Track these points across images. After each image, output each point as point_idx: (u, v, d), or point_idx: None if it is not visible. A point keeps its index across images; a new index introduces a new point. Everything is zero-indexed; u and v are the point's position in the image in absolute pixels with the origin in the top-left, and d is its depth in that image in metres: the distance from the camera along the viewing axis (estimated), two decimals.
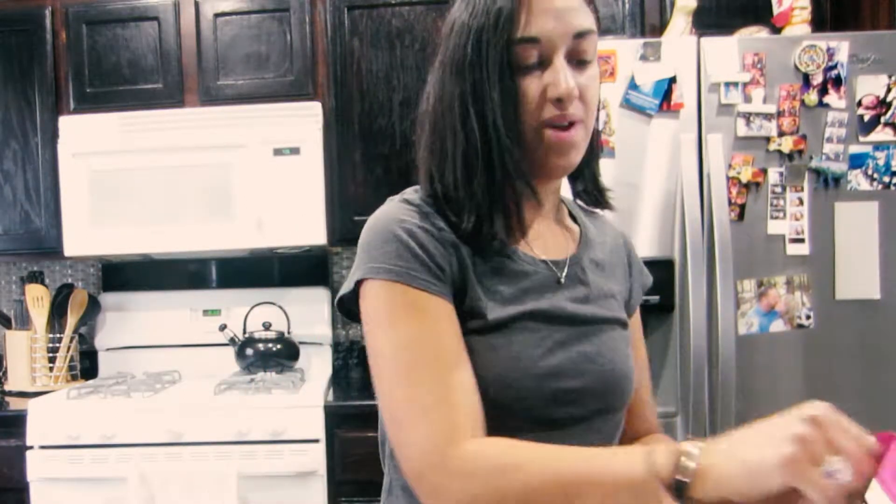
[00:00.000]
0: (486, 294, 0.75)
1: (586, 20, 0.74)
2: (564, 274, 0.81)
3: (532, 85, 0.73)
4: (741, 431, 0.58)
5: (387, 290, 0.72)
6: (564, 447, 0.66)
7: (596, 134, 0.83)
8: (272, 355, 2.26)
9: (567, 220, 0.88)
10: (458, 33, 0.75)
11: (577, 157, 0.76)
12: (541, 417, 0.75)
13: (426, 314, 0.71)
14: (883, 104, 1.78)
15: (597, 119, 0.81)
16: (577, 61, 0.74)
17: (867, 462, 0.51)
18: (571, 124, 0.74)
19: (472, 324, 0.74)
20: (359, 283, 0.75)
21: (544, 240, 0.82)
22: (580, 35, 0.73)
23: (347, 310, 0.79)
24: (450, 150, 0.76)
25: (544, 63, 0.73)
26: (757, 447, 0.55)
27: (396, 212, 0.76)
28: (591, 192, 0.86)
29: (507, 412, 0.74)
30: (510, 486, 0.64)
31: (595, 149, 0.84)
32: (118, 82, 2.31)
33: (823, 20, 2.12)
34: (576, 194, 0.88)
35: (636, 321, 0.92)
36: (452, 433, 0.67)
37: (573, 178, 0.86)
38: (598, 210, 0.90)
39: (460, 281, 0.74)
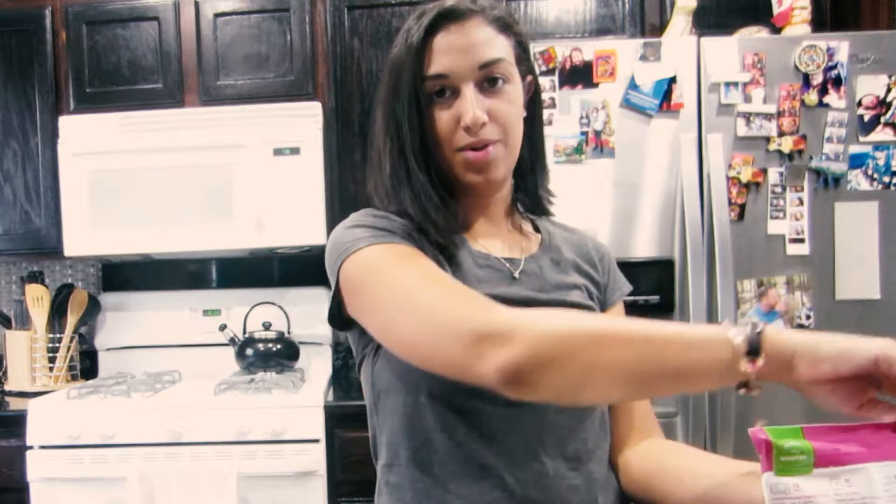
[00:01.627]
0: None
1: (493, 51, 0.80)
2: (520, 270, 0.85)
3: (445, 116, 0.80)
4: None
5: (365, 252, 0.77)
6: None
7: (539, 147, 0.89)
8: (272, 355, 2.26)
9: (526, 228, 0.92)
10: (387, 70, 0.83)
11: (497, 172, 0.82)
12: (511, 401, 0.73)
13: (413, 251, 0.77)
14: (883, 104, 1.78)
15: (540, 129, 0.88)
16: (489, 83, 0.80)
17: None
18: (486, 145, 0.80)
19: None
20: (338, 278, 0.79)
21: (502, 241, 0.87)
22: (486, 65, 0.79)
23: (338, 320, 0.83)
24: (382, 175, 0.84)
25: (455, 93, 0.80)
26: (843, 339, 0.57)
27: (349, 218, 0.84)
28: (532, 199, 0.92)
29: (477, 395, 0.74)
30: (593, 328, 0.63)
31: (536, 160, 0.90)
32: (118, 82, 2.31)
33: (823, 20, 2.12)
34: (514, 201, 0.92)
35: (617, 316, 0.93)
36: (492, 308, 0.67)
37: (516, 188, 0.91)
38: (566, 223, 0.96)
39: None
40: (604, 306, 0.91)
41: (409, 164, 0.80)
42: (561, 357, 0.62)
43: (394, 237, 0.78)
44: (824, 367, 0.56)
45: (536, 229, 0.93)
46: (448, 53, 0.79)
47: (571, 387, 0.64)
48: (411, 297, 0.71)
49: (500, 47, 0.81)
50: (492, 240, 0.87)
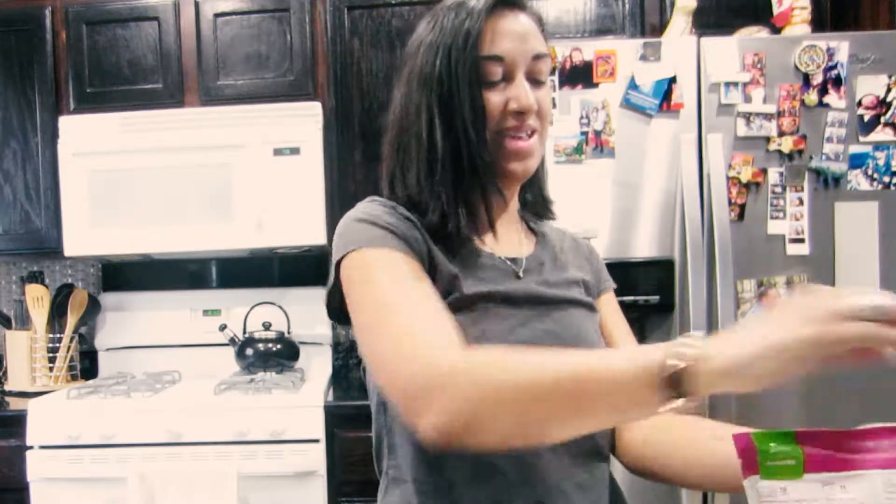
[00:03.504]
0: (452, 267, 0.80)
1: (542, 45, 0.83)
2: (523, 269, 0.86)
3: (496, 98, 0.81)
4: (743, 327, 0.56)
5: (364, 255, 0.77)
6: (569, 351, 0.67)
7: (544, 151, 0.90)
8: (272, 355, 2.26)
9: (525, 229, 0.94)
10: (427, 51, 0.82)
11: (534, 163, 0.85)
12: None
13: (406, 265, 0.76)
14: (883, 104, 1.78)
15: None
16: (534, 80, 0.82)
17: None
18: (531, 134, 0.82)
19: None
20: (338, 270, 0.79)
21: (504, 240, 0.88)
22: (538, 57, 0.81)
23: (336, 313, 0.83)
24: (414, 155, 0.83)
25: (507, 79, 0.81)
26: (777, 328, 0.53)
27: (358, 208, 0.83)
28: (538, 202, 0.94)
29: None
30: (519, 380, 0.62)
31: (542, 163, 0.91)
32: (118, 82, 2.31)
33: (823, 20, 2.12)
34: (524, 204, 0.94)
35: (612, 303, 0.96)
36: (453, 340, 0.69)
37: (522, 189, 0.92)
38: (551, 223, 0.97)
39: (428, 258, 0.80)
40: (598, 295, 0.95)
41: (469, 145, 0.80)
42: (491, 414, 0.63)
43: (395, 240, 0.77)
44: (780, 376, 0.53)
45: (531, 230, 0.95)
46: (507, 38, 0.80)
47: (509, 437, 0.65)
48: (382, 322, 0.72)
49: (544, 44, 0.84)
50: (498, 237, 0.88)
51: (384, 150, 0.89)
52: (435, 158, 0.81)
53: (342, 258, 0.78)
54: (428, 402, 0.64)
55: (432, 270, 0.80)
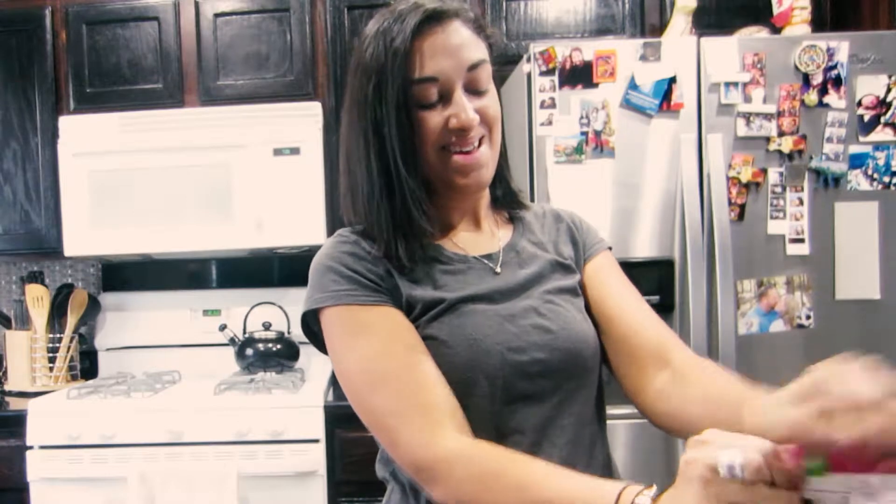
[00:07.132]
0: (425, 289, 0.81)
1: (477, 52, 0.81)
2: (500, 263, 0.86)
3: (435, 119, 0.79)
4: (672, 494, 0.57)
5: (336, 314, 0.80)
6: (542, 467, 0.68)
7: (504, 144, 0.90)
8: (272, 355, 2.26)
9: (502, 217, 0.94)
10: (361, 74, 0.81)
11: (487, 172, 0.83)
12: (516, 394, 0.79)
13: (377, 325, 0.78)
14: (883, 104, 1.78)
15: (503, 128, 0.87)
16: (474, 91, 0.81)
17: (761, 451, 0.50)
18: (479, 144, 0.81)
19: (423, 318, 0.80)
20: (316, 316, 0.82)
21: (478, 238, 0.88)
22: (474, 66, 0.80)
23: (312, 335, 0.86)
24: (359, 183, 0.83)
25: (444, 98, 0.80)
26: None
27: (327, 247, 0.84)
28: (508, 196, 0.93)
29: (483, 394, 0.78)
30: (487, 495, 0.68)
31: (504, 156, 0.91)
32: (118, 82, 2.31)
33: (823, 20, 2.12)
34: (495, 199, 0.93)
35: (605, 262, 0.93)
36: (433, 433, 0.72)
37: (493, 186, 0.91)
38: (532, 204, 0.97)
39: (394, 289, 0.80)
40: (587, 261, 0.92)
41: (397, 170, 0.79)
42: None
43: (357, 294, 0.79)
44: None
45: (508, 218, 0.95)
46: (436, 56, 0.78)
47: None
48: (368, 404, 0.77)
49: (481, 48, 0.82)
50: (471, 237, 0.88)
51: (340, 174, 0.88)
52: (374, 186, 0.81)
53: (315, 308, 0.81)
54: (430, 480, 0.72)
55: (402, 299, 0.80)
